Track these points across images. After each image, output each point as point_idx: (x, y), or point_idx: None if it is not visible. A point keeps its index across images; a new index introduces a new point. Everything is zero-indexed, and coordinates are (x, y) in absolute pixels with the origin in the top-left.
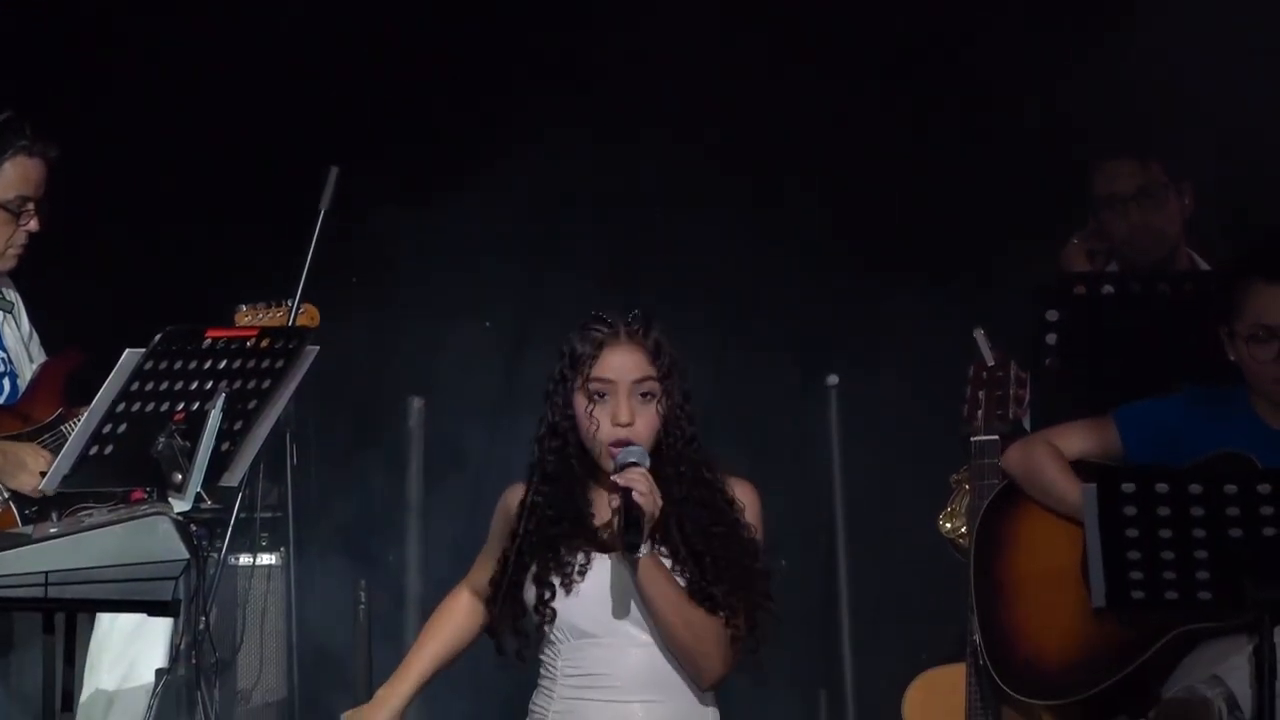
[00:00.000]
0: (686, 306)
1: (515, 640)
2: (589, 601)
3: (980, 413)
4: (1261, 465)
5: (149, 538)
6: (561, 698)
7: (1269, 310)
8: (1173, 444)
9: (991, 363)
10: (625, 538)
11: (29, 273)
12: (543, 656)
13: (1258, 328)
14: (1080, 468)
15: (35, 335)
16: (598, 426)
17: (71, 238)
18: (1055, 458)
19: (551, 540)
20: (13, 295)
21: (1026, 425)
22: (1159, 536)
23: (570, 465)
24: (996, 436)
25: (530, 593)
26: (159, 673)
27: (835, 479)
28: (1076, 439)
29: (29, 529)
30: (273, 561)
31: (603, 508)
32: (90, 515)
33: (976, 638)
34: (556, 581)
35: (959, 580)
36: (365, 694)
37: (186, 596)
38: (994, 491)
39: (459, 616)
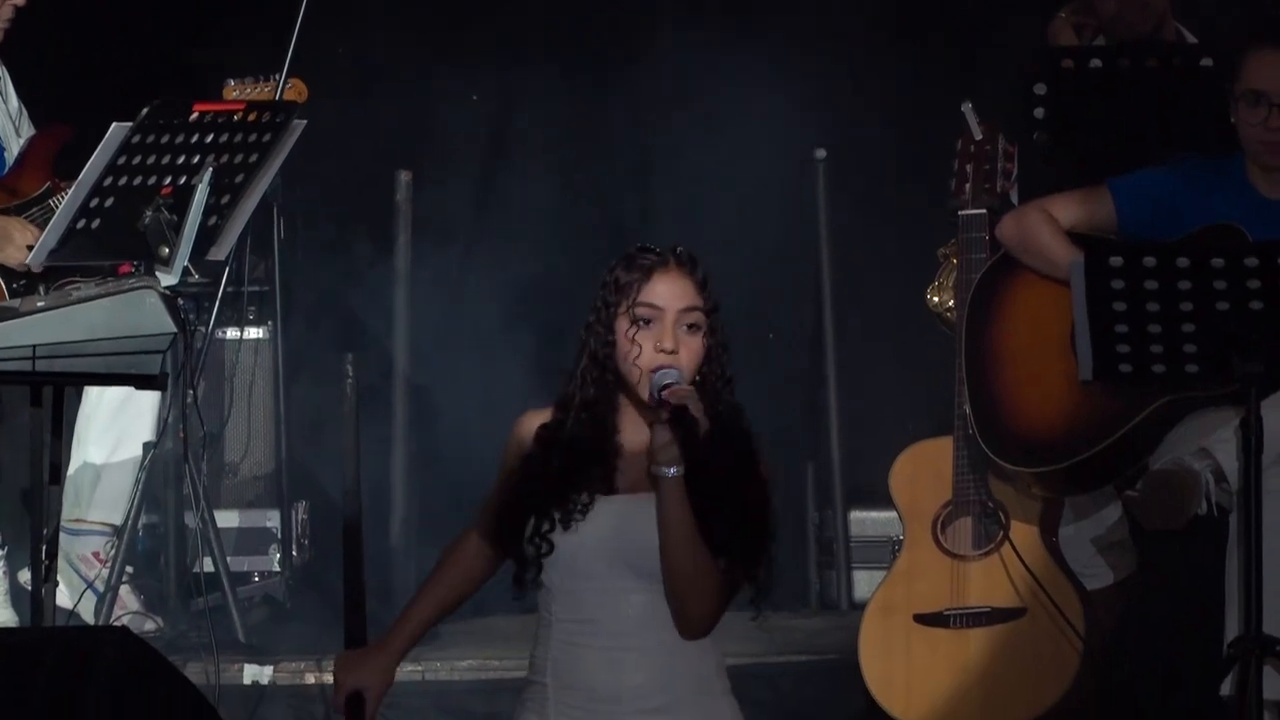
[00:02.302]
0: (675, 78)
1: (531, 570)
2: (589, 543)
3: (968, 186)
4: (1252, 237)
5: (136, 311)
6: (557, 642)
7: (1257, 75)
8: (1167, 213)
9: (979, 136)
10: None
11: (15, 47)
12: (540, 599)
13: (1247, 91)
14: (1071, 241)
15: (24, 111)
16: (640, 351)
17: (58, 12)
18: (1050, 222)
19: (562, 474)
20: None
21: (1014, 199)
22: (1146, 310)
23: (609, 394)
24: (984, 210)
25: (530, 524)
26: (147, 446)
27: (822, 253)
28: (1071, 207)
29: (16, 303)
30: (260, 335)
31: (628, 449)
32: (78, 289)
33: (966, 408)
34: (557, 516)
35: (946, 353)
36: (354, 467)
37: (174, 370)
38: (986, 265)
39: (466, 560)
